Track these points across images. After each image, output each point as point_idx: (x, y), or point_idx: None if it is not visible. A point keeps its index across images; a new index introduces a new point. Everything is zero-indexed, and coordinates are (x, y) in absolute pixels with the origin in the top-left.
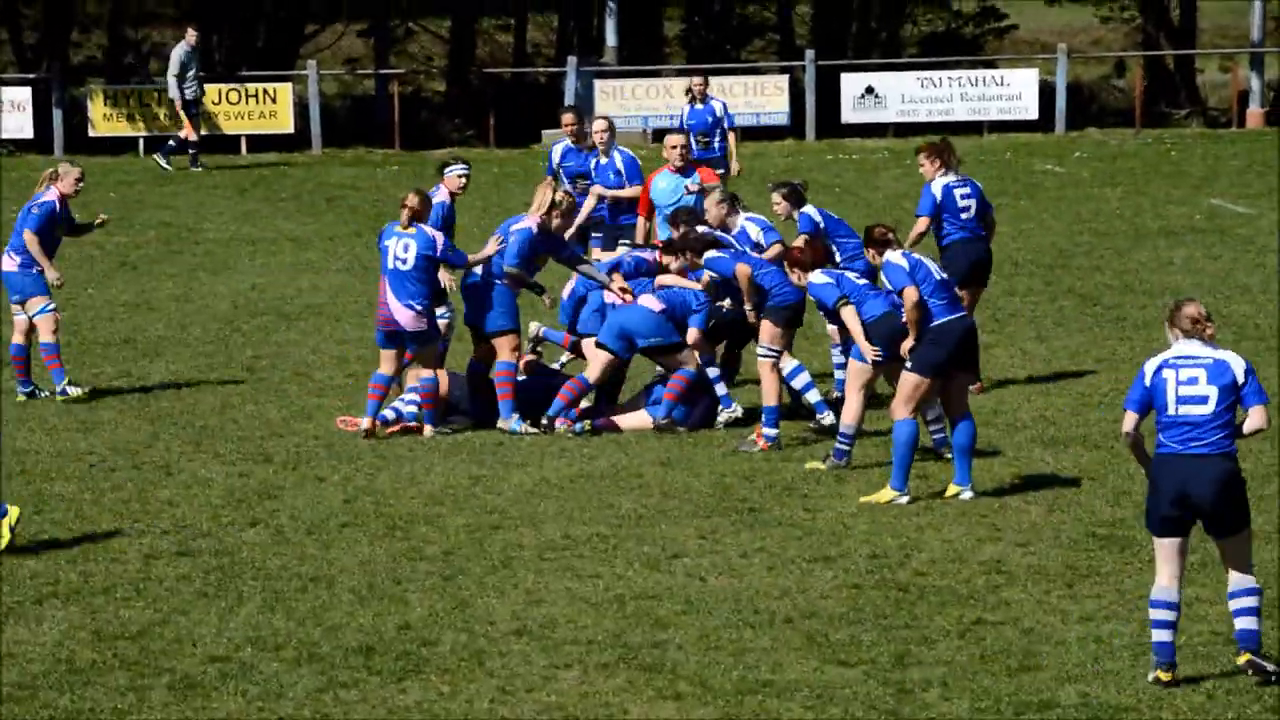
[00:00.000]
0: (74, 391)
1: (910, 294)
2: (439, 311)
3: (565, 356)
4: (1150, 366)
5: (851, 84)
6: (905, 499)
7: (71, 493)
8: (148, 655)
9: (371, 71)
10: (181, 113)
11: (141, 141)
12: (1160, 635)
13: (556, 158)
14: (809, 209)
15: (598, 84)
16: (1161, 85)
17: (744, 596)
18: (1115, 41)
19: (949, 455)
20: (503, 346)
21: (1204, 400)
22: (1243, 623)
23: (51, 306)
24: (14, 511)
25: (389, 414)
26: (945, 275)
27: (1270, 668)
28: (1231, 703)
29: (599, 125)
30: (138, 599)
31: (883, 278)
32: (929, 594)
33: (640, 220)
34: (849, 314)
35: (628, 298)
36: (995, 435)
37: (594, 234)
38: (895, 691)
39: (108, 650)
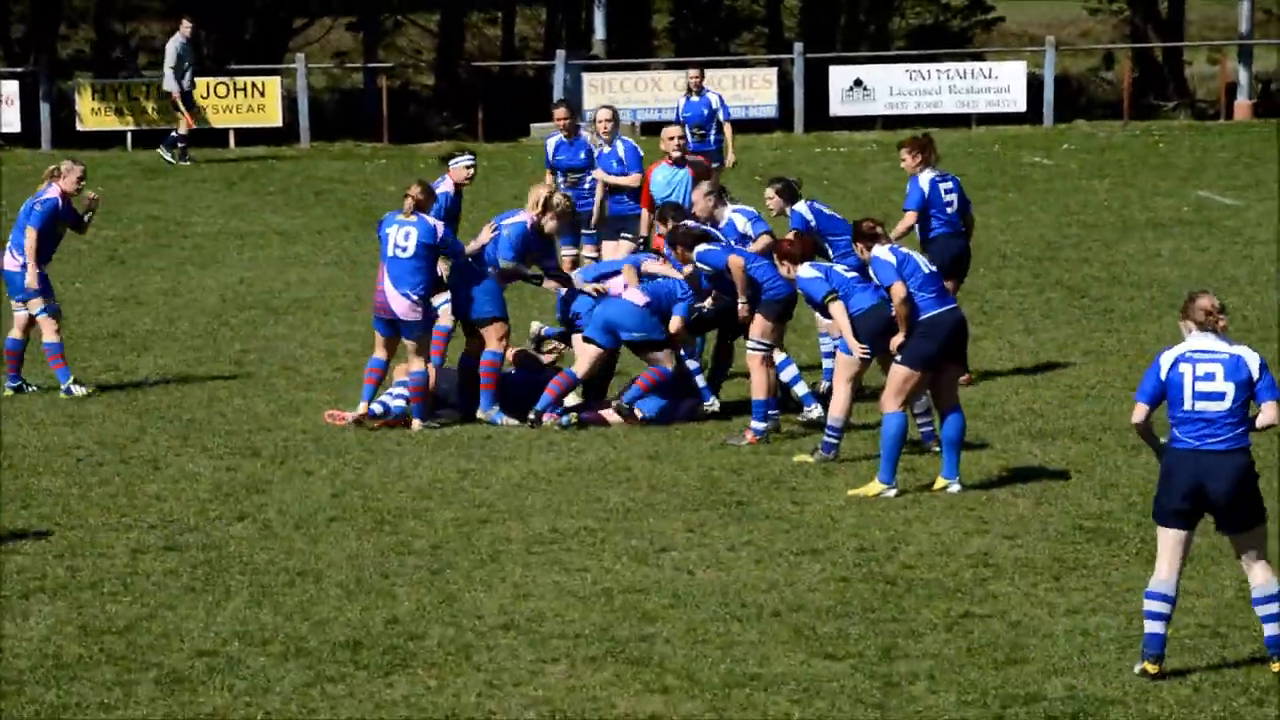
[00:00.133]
0: (79, 391)
1: (898, 290)
2: (443, 298)
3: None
4: (1166, 359)
5: (840, 77)
6: (893, 492)
7: (59, 487)
8: (134, 650)
9: (360, 65)
10: (181, 104)
11: (129, 136)
12: (1153, 627)
13: (550, 151)
14: (801, 206)
15: (586, 77)
16: (1150, 77)
17: (731, 590)
18: (1103, 34)
19: (936, 449)
20: (489, 335)
21: (1221, 397)
22: (1272, 629)
23: (55, 305)
24: None
25: (377, 408)
26: (933, 268)
27: None
28: (1218, 695)
29: (603, 114)
30: (125, 594)
31: (871, 272)
32: (916, 587)
33: (644, 213)
34: (837, 309)
35: (600, 288)
36: (983, 428)
37: (585, 232)
38: (882, 684)
39: (94, 645)
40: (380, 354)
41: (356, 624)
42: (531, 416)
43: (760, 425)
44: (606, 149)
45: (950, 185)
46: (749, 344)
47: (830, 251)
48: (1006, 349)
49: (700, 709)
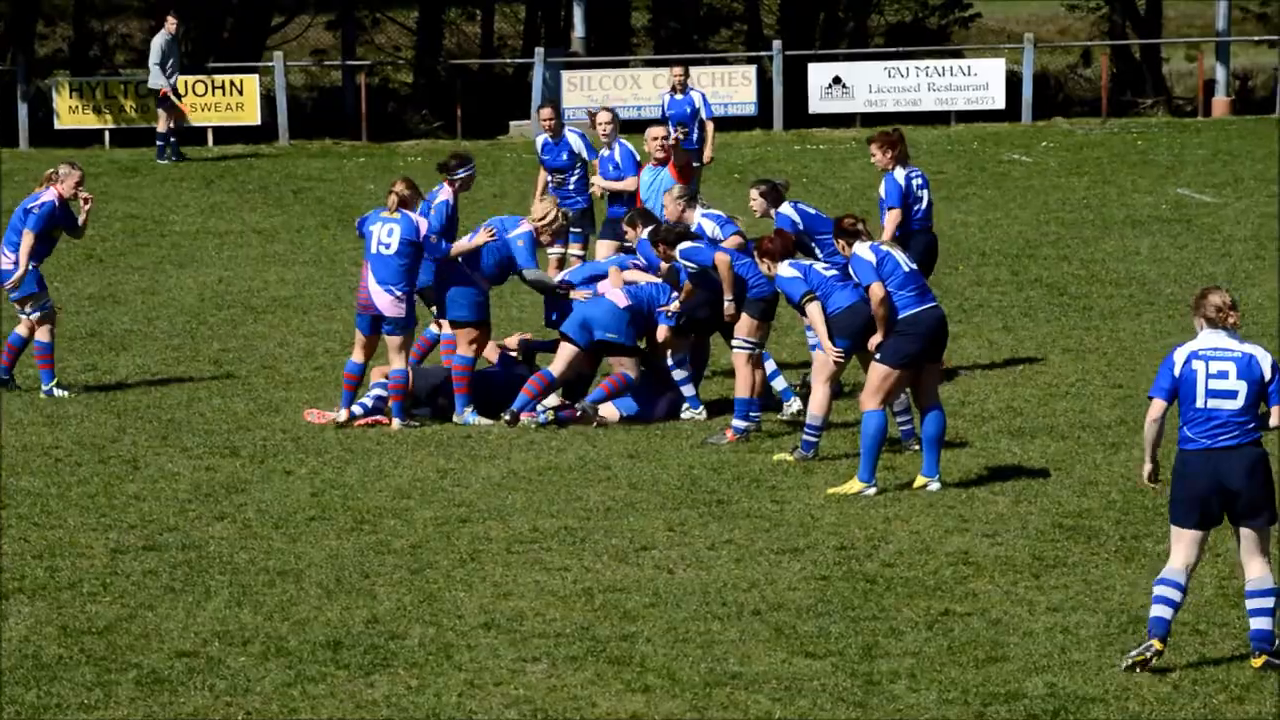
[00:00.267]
0: (60, 394)
1: (876, 290)
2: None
3: None
4: (1180, 356)
5: (819, 74)
6: (873, 490)
7: (37, 487)
8: (114, 650)
9: (338, 63)
10: (172, 97)
11: (107, 134)
12: (1160, 611)
13: (538, 150)
14: (786, 209)
15: (565, 75)
16: (1128, 75)
17: (712, 589)
18: (1082, 31)
19: (916, 447)
20: (460, 338)
21: (1234, 395)
22: (1259, 623)
23: (49, 306)
24: None
25: (357, 409)
26: (913, 266)
27: None
28: (1198, 692)
29: (604, 117)
30: (104, 594)
31: (850, 270)
32: (897, 585)
33: None
34: (814, 310)
35: (585, 294)
36: (962, 426)
37: (573, 230)
38: (863, 683)
39: (74, 645)
40: (358, 357)
41: (337, 624)
42: (507, 416)
43: (741, 424)
44: (605, 152)
45: (921, 181)
46: (735, 342)
47: (819, 251)
48: (986, 347)
49: (681, 708)
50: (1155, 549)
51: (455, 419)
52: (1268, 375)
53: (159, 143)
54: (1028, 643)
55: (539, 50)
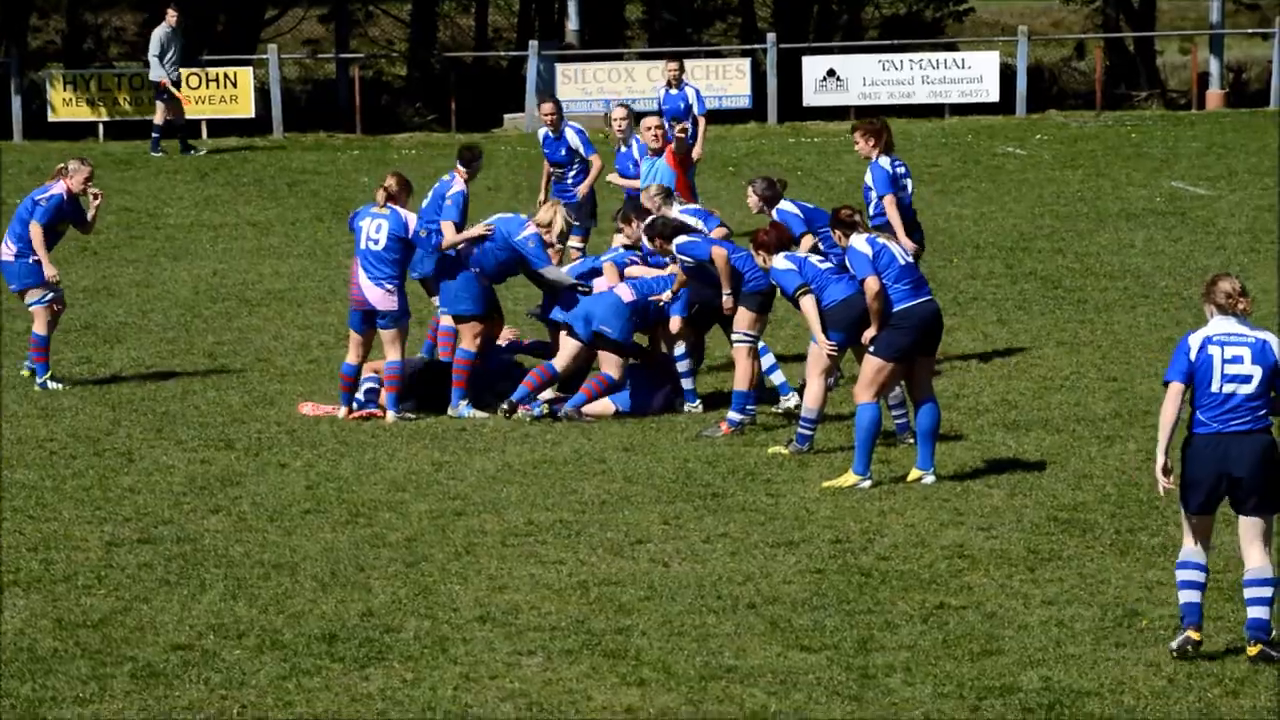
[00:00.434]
0: (54, 387)
1: (872, 284)
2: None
3: None
4: (1194, 341)
5: (813, 67)
6: (868, 483)
7: (32, 480)
8: (109, 643)
9: (332, 55)
10: (172, 89)
11: (101, 126)
12: (1188, 596)
13: (541, 144)
14: (787, 205)
15: (559, 68)
16: (1122, 68)
17: (707, 582)
18: (1075, 24)
19: (911, 440)
20: (464, 332)
21: (1248, 380)
22: (1256, 612)
23: (49, 297)
24: None
25: (354, 405)
26: (910, 259)
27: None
28: (1193, 686)
29: (619, 113)
30: (99, 587)
31: (846, 262)
32: (891, 579)
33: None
34: (808, 303)
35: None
36: (957, 419)
37: (574, 223)
38: (858, 676)
39: (69, 639)
40: (352, 358)
41: (332, 617)
42: (505, 406)
43: (736, 416)
44: (623, 148)
45: (904, 170)
46: (735, 336)
47: (821, 245)
48: (980, 339)
49: (676, 701)
50: (1150, 542)
51: (450, 412)
52: None
53: (154, 134)
54: (1023, 636)
55: (533, 43)
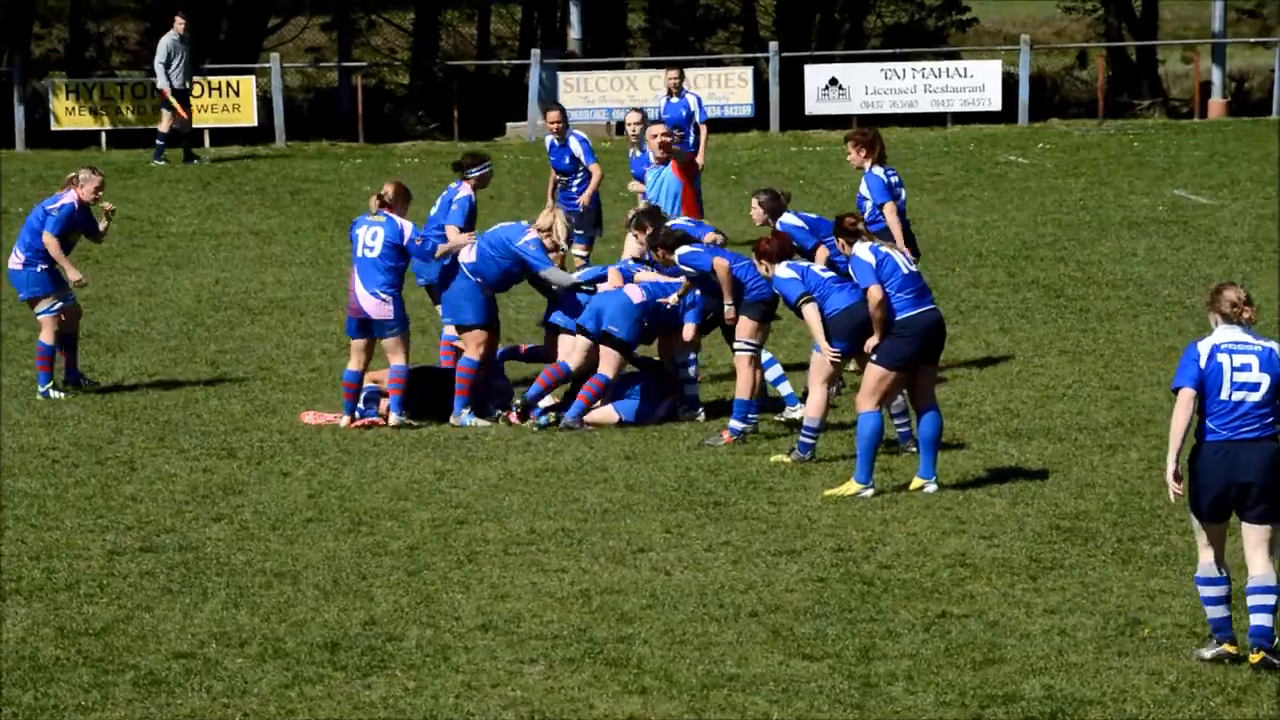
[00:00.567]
0: (56, 395)
1: (874, 293)
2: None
3: None
4: (1204, 348)
5: (815, 76)
6: (870, 492)
7: (34, 489)
8: (111, 652)
9: (335, 64)
10: (173, 100)
11: (104, 135)
12: (1215, 611)
13: (548, 152)
14: (790, 218)
15: (561, 76)
16: (1124, 76)
17: (709, 590)
18: (1078, 32)
19: (913, 449)
20: (468, 341)
21: (1257, 387)
22: (1258, 619)
23: (56, 307)
24: None
25: (356, 414)
26: (913, 268)
27: None
28: (1195, 694)
29: (633, 118)
30: (101, 595)
31: (850, 270)
32: (894, 587)
33: None
34: (810, 311)
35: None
36: (959, 427)
37: (576, 231)
38: (860, 685)
39: (71, 647)
40: (354, 365)
41: (334, 625)
42: (518, 404)
43: (738, 425)
44: (637, 153)
45: (898, 180)
46: (737, 345)
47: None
48: (982, 348)
49: (678, 710)
50: (1152, 551)
51: (452, 420)
52: None
53: (159, 142)
54: (1025, 645)
55: (535, 51)
